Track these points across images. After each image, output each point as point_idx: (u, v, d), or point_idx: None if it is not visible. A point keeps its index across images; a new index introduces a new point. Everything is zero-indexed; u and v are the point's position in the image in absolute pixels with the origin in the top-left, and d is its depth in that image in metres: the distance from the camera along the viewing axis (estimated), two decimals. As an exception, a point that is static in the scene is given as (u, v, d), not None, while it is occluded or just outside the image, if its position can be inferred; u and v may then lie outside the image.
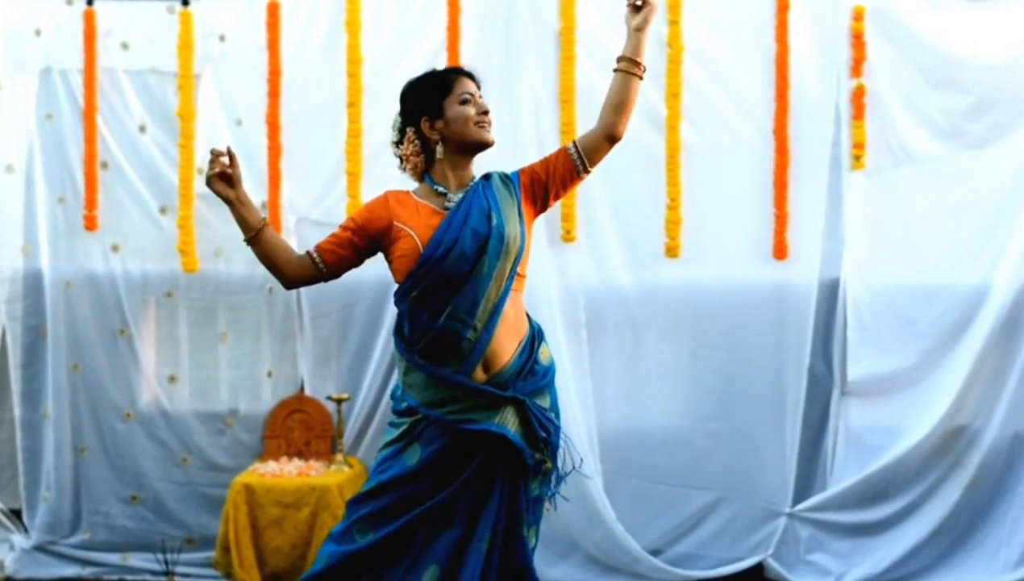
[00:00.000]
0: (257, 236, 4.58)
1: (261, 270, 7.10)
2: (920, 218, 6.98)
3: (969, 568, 6.88)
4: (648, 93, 7.05)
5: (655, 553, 7.10)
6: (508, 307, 4.39)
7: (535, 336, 4.51)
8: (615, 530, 7.01)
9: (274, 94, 7.21)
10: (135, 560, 7.32)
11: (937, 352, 6.95)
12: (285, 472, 6.99)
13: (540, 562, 7.00)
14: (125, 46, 7.29)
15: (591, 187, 7.06)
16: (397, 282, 4.47)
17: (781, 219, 6.99)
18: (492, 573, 4.40)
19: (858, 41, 6.97)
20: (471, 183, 4.56)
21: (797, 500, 7.06)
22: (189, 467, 7.36)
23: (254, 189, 7.22)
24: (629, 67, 4.63)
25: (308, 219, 7.23)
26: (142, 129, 7.31)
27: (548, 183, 4.59)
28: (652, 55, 7.04)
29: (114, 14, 7.30)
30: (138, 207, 7.33)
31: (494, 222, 4.38)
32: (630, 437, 7.19)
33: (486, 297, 4.34)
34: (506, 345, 4.38)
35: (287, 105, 7.23)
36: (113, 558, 7.33)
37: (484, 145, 4.57)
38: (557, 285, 7.10)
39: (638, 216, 7.10)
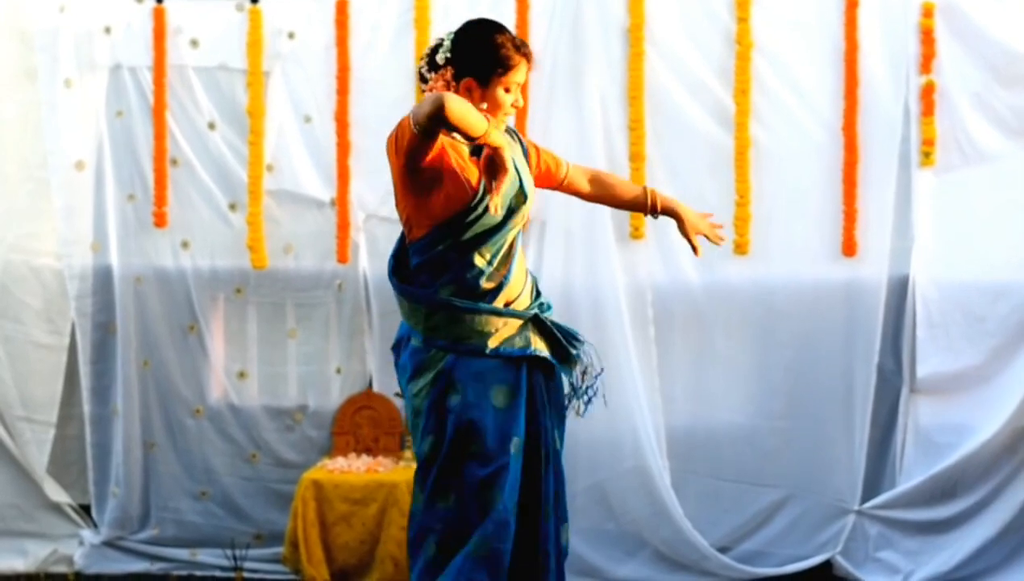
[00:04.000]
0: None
1: (330, 266, 7.24)
2: (989, 216, 6.96)
3: (1038, 566, 6.87)
4: (716, 90, 7.07)
5: (723, 550, 7.10)
6: (519, 255, 4.47)
7: (535, 281, 4.59)
8: (683, 527, 7.00)
9: (343, 91, 7.23)
10: (204, 556, 7.36)
11: (1006, 350, 6.91)
12: (353, 468, 7.01)
13: (607, 559, 7.09)
14: (195, 43, 7.32)
15: (659, 183, 7.03)
16: (423, 224, 4.36)
17: (850, 216, 6.98)
18: (551, 488, 4.47)
19: (927, 37, 6.95)
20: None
21: (866, 498, 7.04)
22: (258, 463, 7.39)
23: (323, 186, 7.28)
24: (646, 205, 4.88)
25: (376, 216, 7.26)
26: (211, 126, 7.35)
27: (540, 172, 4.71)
28: (720, 52, 7.08)
29: (184, 11, 7.33)
30: (207, 204, 7.36)
31: (523, 176, 4.41)
32: (698, 434, 7.19)
33: (507, 245, 4.39)
34: (518, 286, 4.44)
35: (356, 102, 7.26)
36: (182, 553, 7.38)
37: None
38: (625, 282, 7.10)
39: (706, 213, 7.08)
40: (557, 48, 7.16)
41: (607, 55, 7.14)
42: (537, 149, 4.71)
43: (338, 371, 7.40)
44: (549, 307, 4.57)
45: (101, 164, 7.38)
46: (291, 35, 7.29)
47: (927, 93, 6.94)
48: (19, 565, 7.30)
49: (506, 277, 4.39)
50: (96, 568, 7.30)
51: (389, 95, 7.24)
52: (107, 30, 7.33)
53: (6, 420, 7.37)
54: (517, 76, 4.45)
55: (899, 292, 7.03)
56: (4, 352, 7.37)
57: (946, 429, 6.99)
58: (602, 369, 4.68)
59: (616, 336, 7.04)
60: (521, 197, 4.38)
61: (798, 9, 7.11)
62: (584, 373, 4.60)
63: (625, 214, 7.03)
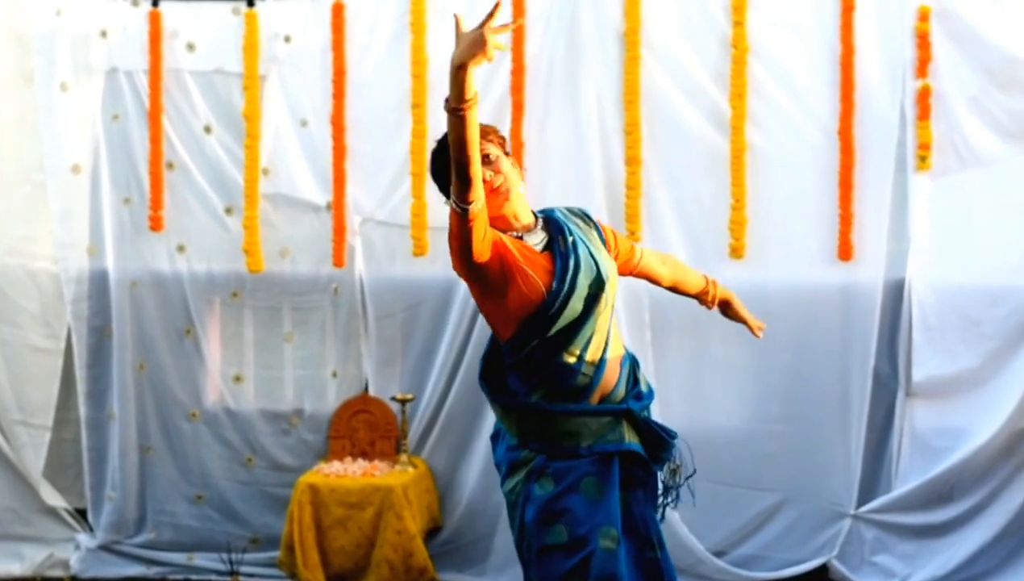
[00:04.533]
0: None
1: (326, 270, 7.23)
2: (985, 219, 6.94)
3: (1034, 570, 6.86)
4: (712, 93, 7.07)
5: (719, 554, 7.09)
6: (613, 339, 4.32)
7: (633, 361, 4.45)
8: (679, 531, 6.99)
9: (339, 95, 7.24)
10: (200, 560, 7.36)
11: (1002, 354, 6.90)
12: (349, 472, 7.01)
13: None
14: (191, 47, 7.33)
15: (655, 187, 7.09)
16: (508, 326, 4.23)
17: (846, 220, 6.97)
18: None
19: (923, 41, 6.94)
20: (545, 225, 4.34)
21: (862, 502, 7.04)
22: (254, 467, 7.39)
23: (319, 190, 7.28)
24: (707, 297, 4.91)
25: (373, 220, 7.27)
26: (207, 130, 7.35)
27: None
28: (716, 56, 7.07)
29: (179, 15, 7.34)
30: (203, 207, 7.37)
31: (598, 260, 4.29)
32: (694, 438, 6.90)
33: (598, 334, 4.26)
34: (614, 372, 4.32)
35: (352, 106, 7.27)
36: (178, 558, 7.38)
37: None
38: (621, 285, 7.02)
39: (702, 217, 7.11)
40: (553, 52, 7.16)
41: (603, 59, 7.14)
42: (614, 234, 4.54)
43: (334, 375, 7.40)
44: (650, 394, 4.43)
45: (97, 168, 7.39)
46: (287, 39, 7.30)
47: (923, 97, 6.94)
48: (15, 569, 7.31)
49: (599, 370, 4.25)
50: (92, 572, 7.31)
51: (385, 99, 7.26)
52: (103, 34, 7.34)
53: (2, 424, 7.39)
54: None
55: (895, 296, 7.02)
56: (0, 356, 7.37)
57: (942, 433, 6.98)
58: (694, 471, 4.62)
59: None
60: (599, 282, 4.23)
61: (794, 13, 7.10)
62: (675, 472, 4.52)
63: (620, 218, 7.03)
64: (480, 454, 7.23)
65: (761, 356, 7.14)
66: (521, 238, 4.24)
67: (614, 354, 4.32)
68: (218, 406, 7.44)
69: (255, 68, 7.26)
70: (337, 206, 7.24)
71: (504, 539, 7.15)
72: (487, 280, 4.13)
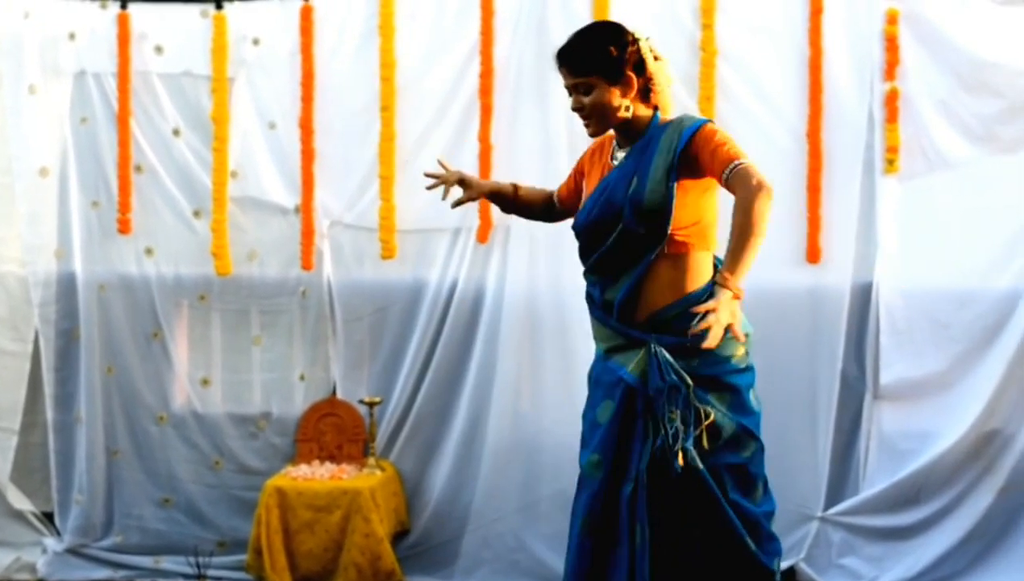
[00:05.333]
0: (516, 199, 5.02)
1: (294, 273, 7.22)
2: (953, 222, 6.95)
3: (1001, 573, 6.84)
4: (681, 97, 7.03)
5: (688, 557, 7.08)
6: (657, 269, 4.38)
7: (700, 302, 4.30)
8: (648, 533, 7.00)
9: (307, 98, 7.22)
10: (167, 563, 7.32)
11: (970, 357, 6.92)
12: (317, 475, 7.00)
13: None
14: (159, 49, 7.31)
15: (624, 190, 7.07)
16: None
17: (814, 223, 6.98)
18: (641, 512, 4.39)
19: (891, 44, 6.96)
20: (640, 141, 4.49)
21: (829, 504, 7.04)
22: (221, 470, 7.38)
23: (287, 193, 7.27)
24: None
25: (341, 223, 7.27)
26: (176, 133, 7.34)
27: (703, 170, 4.45)
28: (685, 59, 7.06)
29: (148, 17, 7.32)
30: (171, 211, 7.35)
31: (632, 188, 4.37)
32: (663, 441, 7.16)
33: (622, 262, 4.40)
34: (654, 301, 4.39)
35: (320, 109, 7.25)
36: (145, 561, 7.35)
37: (593, 136, 4.63)
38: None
39: (671, 219, 7.09)
40: (522, 56, 7.15)
41: (572, 62, 7.13)
42: (701, 143, 4.41)
43: (302, 378, 7.38)
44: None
45: (65, 170, 7.36)
46: (256, 41, 7.29)
47: (891, 100, 6.95)
48: (-18, 573, 7.29)
49: (623, 297, 4.41)
50: (59, 576, 7.27)
51: (354, 101, 7.25)
52: (71, 36, 7.32)
53: (-31, 428, 7.37)
54: (563, 82, 4.58)
55: (863, 298, 7.02)
56: (-33, 360, 7.36)
57: (910, 435, 6.99)
58: (709, 415, 4.41)
59: (581, 342, 7.00)
60: (608, 212, 4.43)
61: (763, 16, 7.10)
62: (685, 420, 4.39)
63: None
64: (448, 456, 7.23)
65: (729, 359, 7.13)
66: (614, 151, 4.59)
67: (658, 290, 4.39)
68: (185, 409, 7.42)
69: (223, 71, 7.25)
70: (305, 209, 7.22)
71: (472, 541, 7.16)
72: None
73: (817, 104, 6.99)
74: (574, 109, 4.54)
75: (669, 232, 4.37)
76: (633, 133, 4.52)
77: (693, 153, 4.38)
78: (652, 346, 4.35)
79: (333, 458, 7.26)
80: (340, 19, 7.27)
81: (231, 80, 7.28)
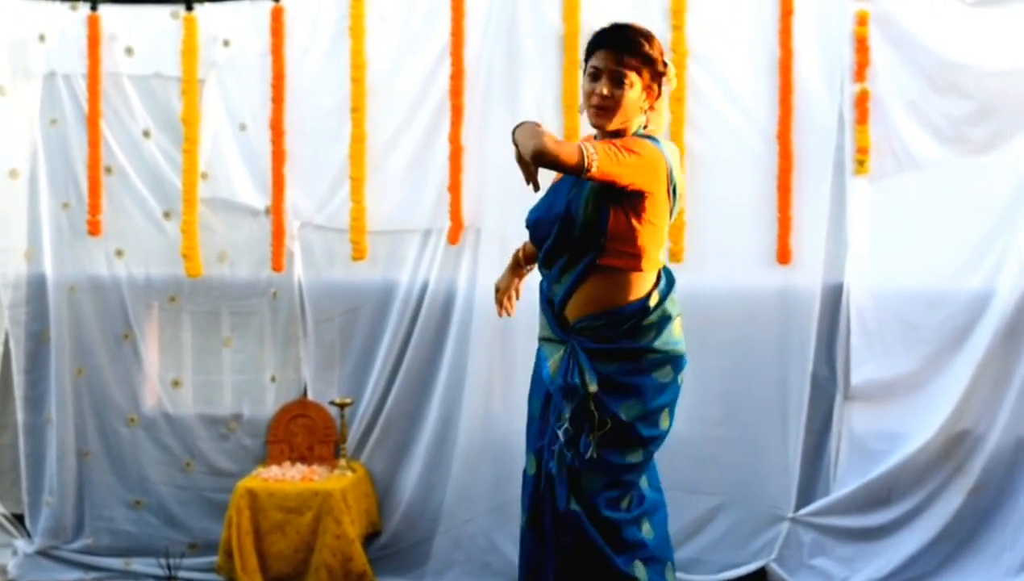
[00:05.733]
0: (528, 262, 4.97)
1: (265, 275, 7.22)
2: (923, 223, 6.97)
3: (972, 573, 6.87)
4: (650, 96, 7.07)
5: (658, 558, 7.08)
6: (593, 278, 4.40)
7: (641, 313, 4.41)
8: (619, 535, 7.01)
9: (278, 99, 7.22)
10: (138, 565, 7.32)
11: (940, 357, 6.94)
12: (288, 477, 6.99)
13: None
14: (129, 51, 7.30)
15: (594, 192, 7.07)
16: None
17: (784, 224, 6.98)
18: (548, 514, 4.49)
19: (861, 46, 6.96)
20: None
21: (800, 505, 7.05)
22: (192, 472, 7.37)
23: (258, 194, 7.26)
24: None
25: (312, 224, 7.27)
26: (146, 134, 7.33)
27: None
28: (656, 60, 7.06)
29: (118, 19, 7.32)
30: (142, 212, 7.35)
31: (572, 196, 4.40)
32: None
33: (562, 264, 4.44)
34: (585, 307, 4.42)
35: (291, 110, 7.24)
36: (116, 563, 7.34)
37: (594, 129, 4.48)
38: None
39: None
40: (493, 56, 7.15)
41: (542, 63, 7.13)
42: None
43: (273, 379, 7.38)
44: (633, 342, 4.43)
45: (35, 172, 7.35)
46: (226, 43, 7.28)
47: (861, 101, 6.96)
48: (-48, 575, 7.28)
49: (560, 298, 4.46)
50: (30, 577, 7.25)
51: (324, 103, 7.24)
52: (41, 37, 7.30)
53: (-61, 429, 7.36)
54: (594, 61, 4.40)
55: (833, 299, 7.04)
56: (-63, 361, 7.35)
57: (880, 436, 7.01)
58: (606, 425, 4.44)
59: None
60: (555, 218, 4.46)
61: (733, 17, 7.10)
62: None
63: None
64: (419, 458, 7.23)
65: (700, 360, 7.03)
66: None
67: (587, 297, 4.42)
68: (156, 411, 7.41)
69: (194, 72, 7.24)
70: (276, 210, 7.22)
71: (443, 543, 7.17)
72: None
73: (787, 105, 7.00)
74: (596, 94, 4.37)
75: (603, 245, 4.37)
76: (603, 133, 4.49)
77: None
78: (572, 345, 4.39)
79: (304, 459, 7.25)
80: (311, 20, 7.26)
81: (201, 81, 7.27)
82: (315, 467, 7.12)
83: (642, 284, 4.46)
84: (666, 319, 4.50)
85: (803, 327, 7.01)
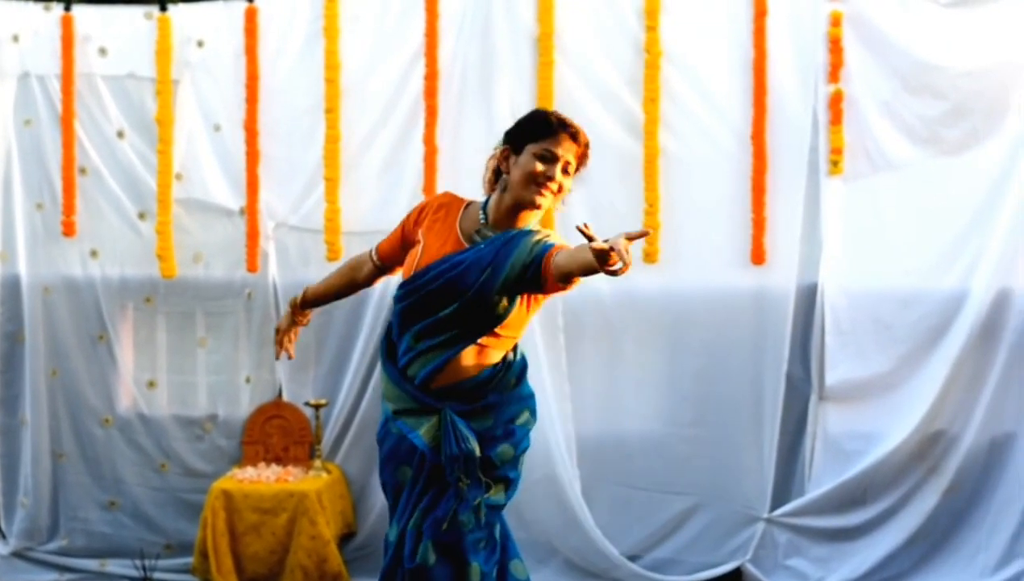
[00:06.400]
0: (321, 296, 4.99)
1: (240, 275, 7.23)
2: (897, 223, 6.99)
3: (947, 573, 6.90)
4: (625, 98, 7.07)
5: (633, 559, 7.11)
6: (472, 354, 4.40)
7: (503, 371, 4.47)
8: (593, 535, 7.02)
9: (252, 100, 7.21)
10: (113, 566, 7.32)
11: (914, 357, 6.96)
12: (263, 478, 6.99)
13: (518, 567, 7.04)
14: (103, 52, 7.29)
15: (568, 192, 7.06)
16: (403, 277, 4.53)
17: (759, 224, 6.99)
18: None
19: (835, 46, 6.97)
20: (503, 234, 4.39)
21: (775, 505, 7.07)
22: (167, 473, 7.36)
23: (232, 195, 7.26)
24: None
25: (286, 225, 7.26)
26: (120, 135, 7.31)
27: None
28: (629, 61, 7.08)
29: (92, 19, 7.30)
30: (116, 213, 7.33)
31: (484, 279, 4.31)
32: (608, 442, 7.20)
33: (448, 336, 4.37)
34: (455, 377, 4.41)
35: (265, 111, 7.24)
36: (91, 564, 7.34)
37: (525, 206, 4.38)
38: (535, 290, 7.09)
39: (616, 221, 7.03)
40: (467, 57, 7.16)
41: (517, 63, 7.13)
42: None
43: (248, 380, 7.38)
44: (499, 394, 4.46)
45: (9, 173, 7.34)
46: (200, 43, 7.27)
47: (835, 102, 6.97)
48: (-74, 577, 7.27)
49: (433, 364, 4.40)
50: (5, 579, 7.24)
51: (298, 103, 7.25)
52: (15, 38, 7.29)
53: (-86, 431, 7.34)
54: (551, 145, 4.36)
55: (808, 300, 7.06)
56: (-88, 362, 7.33)
57: (855, 436, 7.03)
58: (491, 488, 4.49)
59: (526, 344, 7.01)
60: (459, 296, 4.34)
61: (707, 18, 7.11)
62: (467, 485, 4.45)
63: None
64: (394, 459, 7.22)
65: (674, 360, 7.16)
66: (480, 229, 4.41)
67: (466, 367, 4.40)
68: (131, 412, 7.40)
69: (168, 73, 7.23)
70: (250, 211, 7.21)
71: (418, 544, 7.15)
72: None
73: (761, 106, 7.01)
74: (550, 179, 4.34)
75: (494, 330, 4.39)
76: (509, 224, 4.44)
77: (544, 275, 4.29)
78: (446, 414, 4.38)
79: (279, 460, 7.25)
80: (284, 21, 7.25)
81: (175, 82, 7.26)
82: (290, 468, 7.12)
83: (505, 348, 4.51)
84: (524, 366, 4.58)
85: (777, 327, 7.03)
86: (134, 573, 7.19)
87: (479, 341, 4.38)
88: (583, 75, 7.12)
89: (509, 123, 6.87)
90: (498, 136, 6.90)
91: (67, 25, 7.26)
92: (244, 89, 7.22)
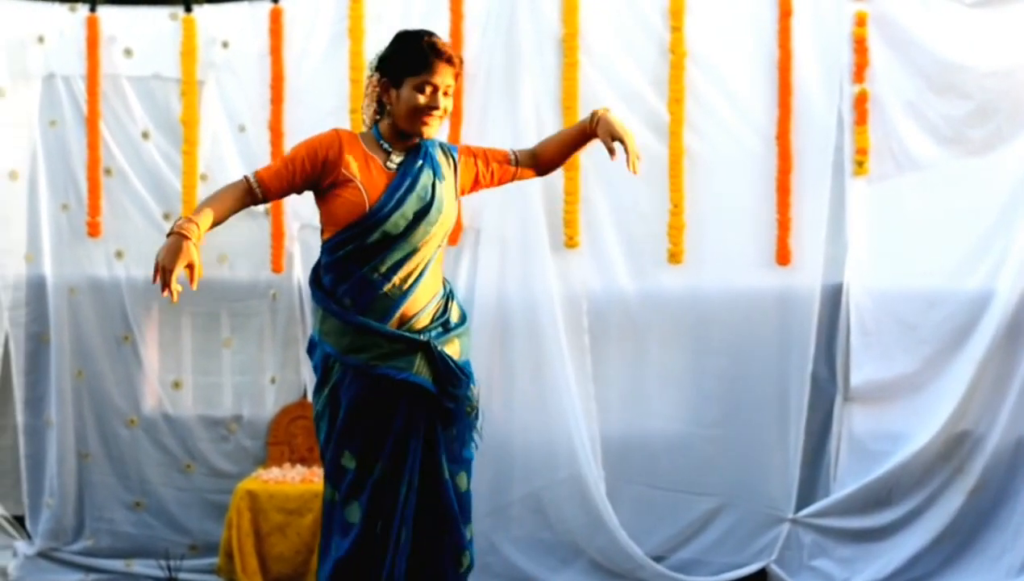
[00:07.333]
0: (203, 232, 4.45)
1: (265, 276, 7.21)
2: (922, 224, 6.97)
3: (972, 573, 6.87)
4: (650, 99, 7.07)
5: (658, 559, 7.10)
6: (430, 272, 4.41)
7: (448, 296, 4.52)
8: (618, 536, 7.01)
9: (277, 100, 7.23)
10: (138, 566, 7.34)
11: (940, 358, 6.94)
12: (288, 478, 7.00)
13: (542, 568, 7.06)
14: (128, 52, 7.31)
15: (593, 192, 7.09)
16: (329, 228, 4.42)
17: (784, 225, 6.98)
18: (409, 512, 4.38)
19: (860, 47, 6.97)
20: (414, 148, 4.46)
21: (800, 506, 7.05)
22: (192, 473, 7.37)
23: (258, 197, 7.25)
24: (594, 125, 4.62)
25: (311, 225, 7.23)
26: (145, 135, 7.34)
27: (481, 179, 4.63)
28: (654, 61, 7.08)
29: (117, 20, 7.33)
30: (141, 213, 7.36)
31: (436, 193, 4.39)
32: (633, 443, 7.19)
33: (413, 260, 4.36)
34: (420, 302, 4.39)
35: (290, 111, 7.26)
36: (116, 564, 7.36)
37: (415, 135, 4.43)
38: (560, 291, 7.10)
39: (640, 222, 7.10)
40: (492, 57, 7.17)
41: (541, 64, 7.14)
42: (469, 153, 4.62)
43: (272, 381, 7.39)
44: (460, 323, 4.49)
45: (35, 174, 7.37)
46: (225, 44, 7.29)
47: (860, 102, 6.96)
48: (-47, 577, 7.28)
49: (404, 295, 4.35)
50: (30, 579, 7.28)
51: (323, 104, 7.24)
52: (40, 39, 7.31)
53: (-61, 431, 7.36)
54: (430, 76, 4.37)
55: (833, 300, 7.05)
56: (-63, 363, 7.35)
57: (880, 437, 7.01)
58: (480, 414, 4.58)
59: (551, 345, 7.06)
60: (426, 211, 4.35)
61: (732, 18, 7.12)
62: (470, 413, 4.50)
63: (558, 223, 7.06)
64: (419, 460, 7.22)
65: (699, 360, 7.16)
66: (389, 153, 4.41)
67: (427, 288, 4.42)
68: (156, 412, 7.42)
69: (193, 73, 7.25)
70: (275, 212, 7.22)
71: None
72: (320, 180, 4.38)
73: (786, 106, 7.00)
74: (433, 107, 4.37)
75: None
76: (409, 141, 4.46)
77: (466, 163, 4.58)
78: (433, 346, 4.35)
79: (304, 461, 7.26)
80: (309, 21, 7.27)
81: (200, 83, 7.29)
82: (315, 469, 7.12)
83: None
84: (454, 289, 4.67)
85: (803, 328, 7.01)
86: (159, 573, 7.21)
87: (433, 259, 4.41)
88: (607, 75, 7.13)
89: (534, 123, 7.06)
90: (522, 133, 7.06)
91: (92, 26, 7.28)
92: (269, 90, 7.24)
